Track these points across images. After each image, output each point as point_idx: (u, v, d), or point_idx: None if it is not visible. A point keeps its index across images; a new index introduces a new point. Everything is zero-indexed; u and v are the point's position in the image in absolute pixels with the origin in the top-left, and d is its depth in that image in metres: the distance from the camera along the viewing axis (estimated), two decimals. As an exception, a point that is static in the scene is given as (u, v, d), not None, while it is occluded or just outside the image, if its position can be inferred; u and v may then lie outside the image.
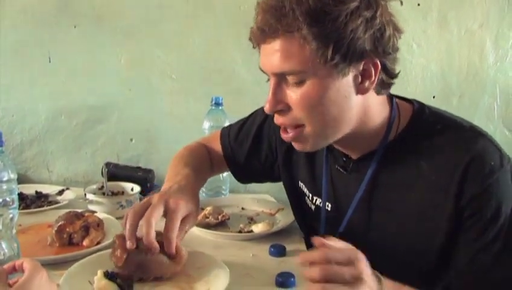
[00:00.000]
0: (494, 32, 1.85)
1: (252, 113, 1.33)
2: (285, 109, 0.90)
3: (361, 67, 0.86)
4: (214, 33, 1.84)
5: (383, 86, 0.92)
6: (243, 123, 1.33)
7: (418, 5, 1.84)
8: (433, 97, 1.88)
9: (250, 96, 1.85)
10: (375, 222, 0.99)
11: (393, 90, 1.02)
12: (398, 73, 0.94)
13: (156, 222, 0.91)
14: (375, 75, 0.87)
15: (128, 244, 0.91)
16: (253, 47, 0.95)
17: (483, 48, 1.87)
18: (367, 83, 0.87)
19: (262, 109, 1.27)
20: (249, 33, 0.93)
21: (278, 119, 0.93)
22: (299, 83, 0.86)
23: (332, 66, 0.83)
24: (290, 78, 0.87)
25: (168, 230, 0.92)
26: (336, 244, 0.76)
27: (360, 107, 0.90)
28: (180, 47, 1.85)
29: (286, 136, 0.94)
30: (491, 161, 0.85)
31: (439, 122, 0.94)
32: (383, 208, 0.98)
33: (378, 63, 0.86)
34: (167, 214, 0.94)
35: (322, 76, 0.84)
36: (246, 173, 1.35)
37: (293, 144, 0.97)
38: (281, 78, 0.88)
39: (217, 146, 1.35)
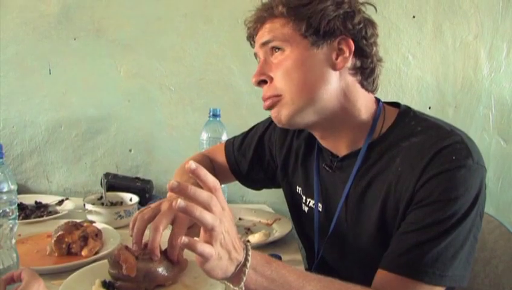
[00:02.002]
0: (488, 43, 1.88)
1: (254, 126, 1.38)
2: (268, 80, 1.00)
3: (336, 45, 0.96)
4: (212, 45, 1.87)
5: (363, 74, 0.99)
6: (245, 134, 1.38)
7: (413, 17, 1.86)
8: (429, 108, 1.90)
9: (247, 107, 1.88)
10: (356, 220, 1.01)
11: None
12: (376, 66, 1.01)
13: (164, 229, 0.92)
14: (349, 53, 0.96)
15: (134, 247, 0.93)
16: (252, 47, 1.08)
17: (478, 59, 1.89)
18: (341, 59, 0.96)
19: (263, 121, 1.32)
20: (247, 35, 1.08)
21: (263, 92, 1.01)
22: (281, 51, 0.98)
23: (308, 39, 0.95)
24: (274, 46, 0.99)
25: (173, 238, 0.93)
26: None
27: (338, 87, 0.97)
28: (179, 59, 1.88)
29: (265, 104, 1.02)
30: (453, 155, 0.86)
31: (420, 125, 0.96)
32: (362, 206, 1.00)
33: (351, 42, 0.96)
34: (175, 222, 0.95)
35: (300, 47, 0.96)
36: (251, 181, 1.39)
37: (271, 114, 1.02)
38: (267, 53, 1.01)
39: (221, 157, 1.39)
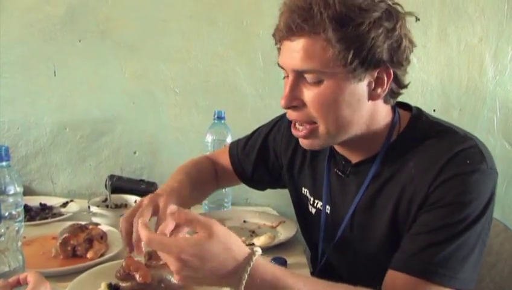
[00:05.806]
0: (493, 46, 1.88)
1: (258, 128, 1.38)
2: (300, 105, 0.93)
3: (375, 75, 0.90)
4: (217, 47, 1.86)
5: (392, 96, 0.97)
6: (249, 137, 1.37)
7: (418, 20, 1.86)
8: (434, 111, 1.90)
9: (252, 110, 1.88)
10: (366, 224, 1.01)
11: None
12: (408, 84, 0.98)
13: (146, 220, 0.89)
14: (387, 84, 0.92)
15: (127, 249, 0.93)
16: (275, 44, 0.98)
17: (483, 62, 1.89)
18: (379, 90, 0.92)
19: (267, 123, 1.32)
20: (274, 30, 0.96)
21: (292, 115, 0.96)
22: (317, 83, 0.90)
23: (350, 70, 0.87)
24: (309, 77, 0.90)
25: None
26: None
27: (369, 112, 0.95)
28: (183, 61, 1.87)
29: (297, 132, 0.97)
30: (467, 160, 0.87)
31: (433, 129, 0.97)
32: (372, 210, 1.00)
33: (391, 72, 0.91)
34: (158, 213, 0.96)
35: (339, 78, 0.88)
36: (255, 182, 1.39)
37: (300, 141, 0.99)
38: (299, 76, 0.92)
39: (225, 159, 1.39)
